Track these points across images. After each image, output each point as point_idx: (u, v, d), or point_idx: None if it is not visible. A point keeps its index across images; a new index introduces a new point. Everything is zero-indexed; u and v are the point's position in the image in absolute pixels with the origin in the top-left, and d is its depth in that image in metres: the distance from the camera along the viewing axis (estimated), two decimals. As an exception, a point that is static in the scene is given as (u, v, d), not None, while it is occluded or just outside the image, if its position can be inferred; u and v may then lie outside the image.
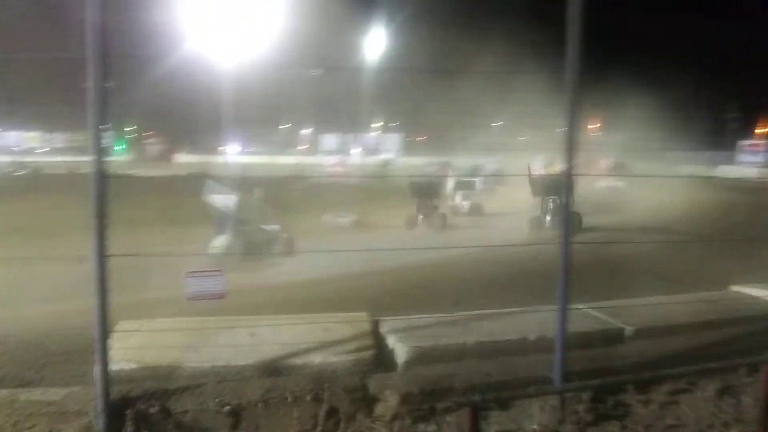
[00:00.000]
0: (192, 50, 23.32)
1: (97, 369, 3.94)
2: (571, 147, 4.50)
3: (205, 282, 4.68)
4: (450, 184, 20.80)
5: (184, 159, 48.28)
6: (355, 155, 52.10)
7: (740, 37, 45.95)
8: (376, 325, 5.54)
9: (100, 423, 3.92)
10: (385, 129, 63.96)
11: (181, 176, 28.58)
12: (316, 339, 5.06)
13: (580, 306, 6.00)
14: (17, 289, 8.64)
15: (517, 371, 4.82)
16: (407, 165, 42.84)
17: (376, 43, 42.38)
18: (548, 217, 16.03)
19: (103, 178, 3.86)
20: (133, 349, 4.64)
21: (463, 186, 20.68)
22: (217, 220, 11.85)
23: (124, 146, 53.16)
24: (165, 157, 50.31)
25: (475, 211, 19.82)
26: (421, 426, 4.26)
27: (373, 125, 60.36)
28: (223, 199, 11.93)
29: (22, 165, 41.49)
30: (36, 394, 4.22)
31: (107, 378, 3.95)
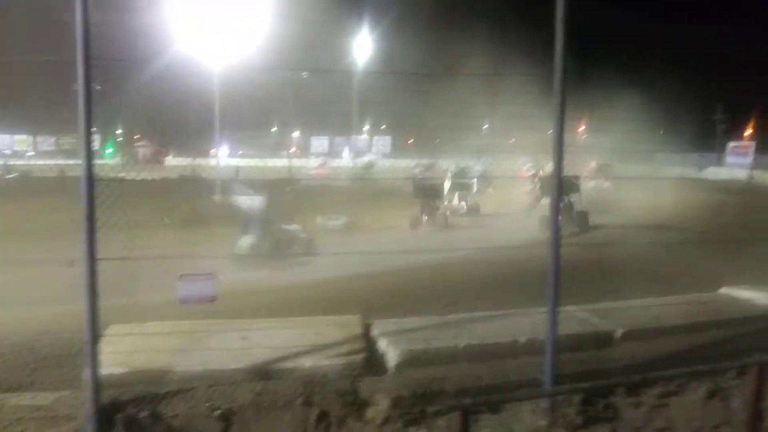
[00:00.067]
0: (182, 53, 23.27)
1: (86, 373, 3.92)
2: (559, 149, 4.53)
3: (197, 285, 4.67)
4: (447, 185, 20.95)
5: (174, 162, 48.07)
6: (340, 158, 51.99)
7: (728, 40, 46.33)
8: (367, 328, 5.55)
9: (89, 427, 3.91)
10: (375, 132, 64.03)
11: (172, 179, 28.41)
12: (307, 342, 5.06)
13: (571, 308, 6.03)
14: (8, 292, 8.57)
15: (508, 374, 4.84)
16: (392, 167, 42.75)
17: (365, 45, 42.42)
18: (558, 216, 15.92)
19: (92, 182, 3.84)
20: (123, 352, 4.62)
21: (460, 187, 20.88)
22: (243, 221, 12.10)
23: (113, 149, 52.88)
24: (155, 160, 50.09)
25: (473, 211, 20.04)
26: (412, 429, 4.26)
27: (362, 128, 60.40)
28: (248, 201, 12.20)
29: (11, 168, 41.13)
30: (25, 399, 4.20)
31: (97, 382, 3.94)
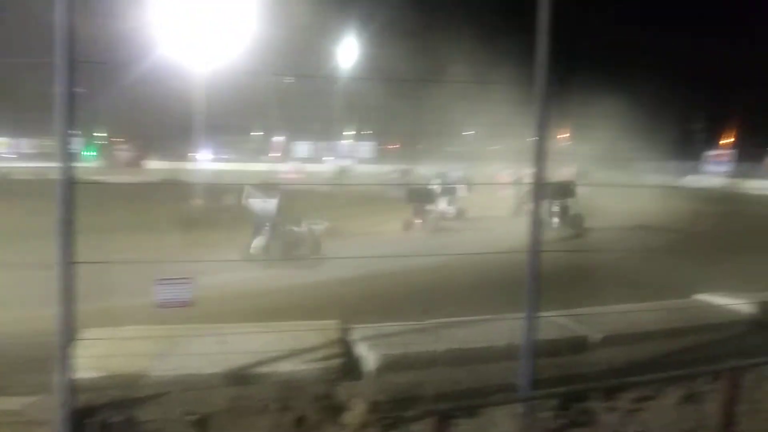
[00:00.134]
0: (164, 56, 23.13)
1: (59, 377, 3.88)
2: (540, 156, 4.57)
3: (174, 289, 4.64)
4: (434, 190, 21.11)
5: (155, 165, 47.77)
6: (321, 162, 51.76)
7: (705, 49, 46.94)
8: (346, 332, 5.54)
9: (62, 432, 3.86)
10: (358, 137, 64.02)
11: (153, 183, 28.20)
12: (284, 347, 5.04)
13: (549, 314, 6.06)
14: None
15: (487, 379, 4.86)
16: (368, 173, 42.70)
17: (349, 51, 42.44)
18: (555, 219, 16.89)
19: (69, 184, 3.81)
20: (98, 357, 4.57)
21: (448, 192, 21.08)
22: (255, 223, 12.54)
23: (93, 152, 52.48)
24: (136, 163, 49.78)
25: (460, 215, 20.26)
26: (390, 434, 4.26)
27: (346, 133, 60.36)
28: (261, 203, 12.65)
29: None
30: (-3, 403, 4.15)
31: (70, 387, 3.89)
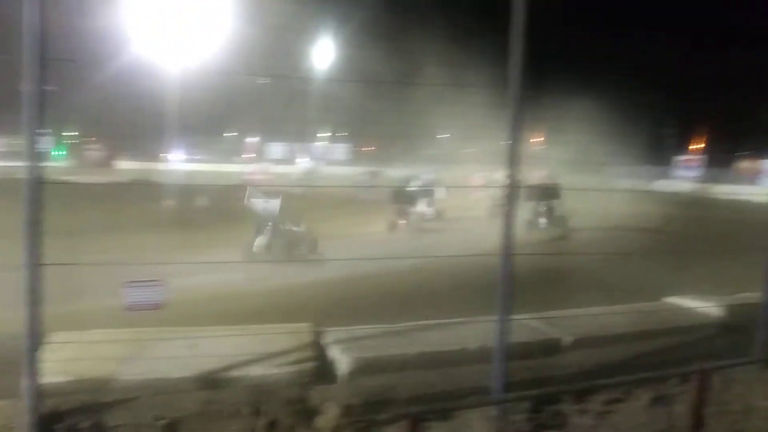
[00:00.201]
0: (136, 55, 22.88)
1: (26, 382, 3.80)
2: (513, 159, 4.59)
3: (144, 291, 4.58)
4: (414, 192, 21.27)
5: (126, 165, 47.15)
6: (281, 163, 51.33)
7: (677, 56, 47.67)
8: (318, 335, 5.51)
9: (28, 438, 3.79)
10: (333, 139, 63.81)
11: (123, 183, 27.86)
12: (256, 350, 5.00)
13: (522, 316, 6.09)
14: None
15: (459, 381, 4.87)
16: (337, 174, 42.50)
17: (324, 52, 42.34)
18: (542, 220, 17.64)
19: (38, 184, 3.74)
20: (65, 361, 4.49)
21: (426, 194, 21.26)
22: (257, 223, 12.92)
23: (63, 151, 51.63)
24: (106, 163, 49.06)
25: (438, 217, 20.43)
26: (362, 438, 4.24)
27: (320, 135, 60.13)
28: (263, 203, 13.05)
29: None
30: (-40, 409, 4.05)
31: (37, 391, 3.82)
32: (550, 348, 5.71)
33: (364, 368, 4.91)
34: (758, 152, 38.06)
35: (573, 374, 5.16)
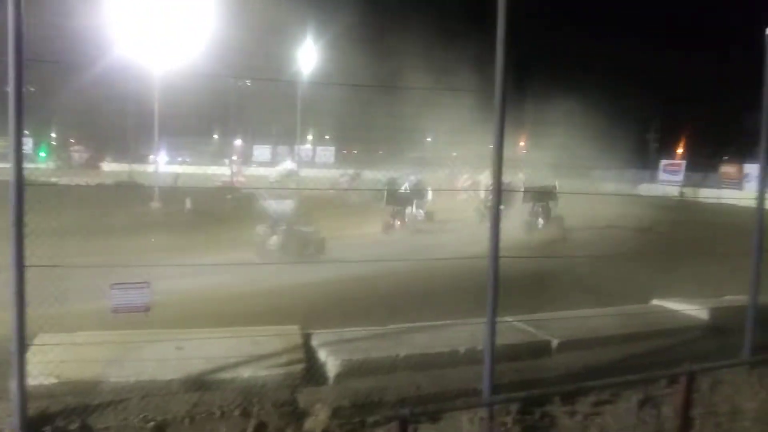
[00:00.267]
0: (121, 57, 22.75)
1: (13, 384, 3.76)
2: (498, 162, 4.60)
3: (130, 294, 4.55)
4: (406, 194, 21.39)
5: (110, 167, 46.84)
6: (265, 166, 51.05)
7: (662, 61, 48.09)
8: (307, 338, 5.50)
9: (16, 441, 3.75)
10: (318, 141, 63.76)
11: (108, 185, 27.66)
12: (245, 352, 4.97)
13: (511, 318, 6.11)
14: None
15: (448, 383, 4.87)
16: (316, 177, 42.39)
17: (310, 55, 42.22)
18: (540, 220, 17.98)
19: (21, 186, 3.71)
20: (53, 363, 4.44)
21: (417, 196, 21.35)
22: (270, 223, 13.36)
23: (47, 153, 51.19)
24: (90, 165, 48.68)
25: (429, 218, 20.49)
26: (351, 439, 4.23)
27: (306, 137, 60.05)
28: (276, 204, 13.66)
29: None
30: (-54, 412, 4.00)
31: (25, 393, 3.78)
32: (538, 350, 5.73)
33: (353, 370, 4.91)
34: (741, 157, 38.29)
35: (561, 376, 5.18)
